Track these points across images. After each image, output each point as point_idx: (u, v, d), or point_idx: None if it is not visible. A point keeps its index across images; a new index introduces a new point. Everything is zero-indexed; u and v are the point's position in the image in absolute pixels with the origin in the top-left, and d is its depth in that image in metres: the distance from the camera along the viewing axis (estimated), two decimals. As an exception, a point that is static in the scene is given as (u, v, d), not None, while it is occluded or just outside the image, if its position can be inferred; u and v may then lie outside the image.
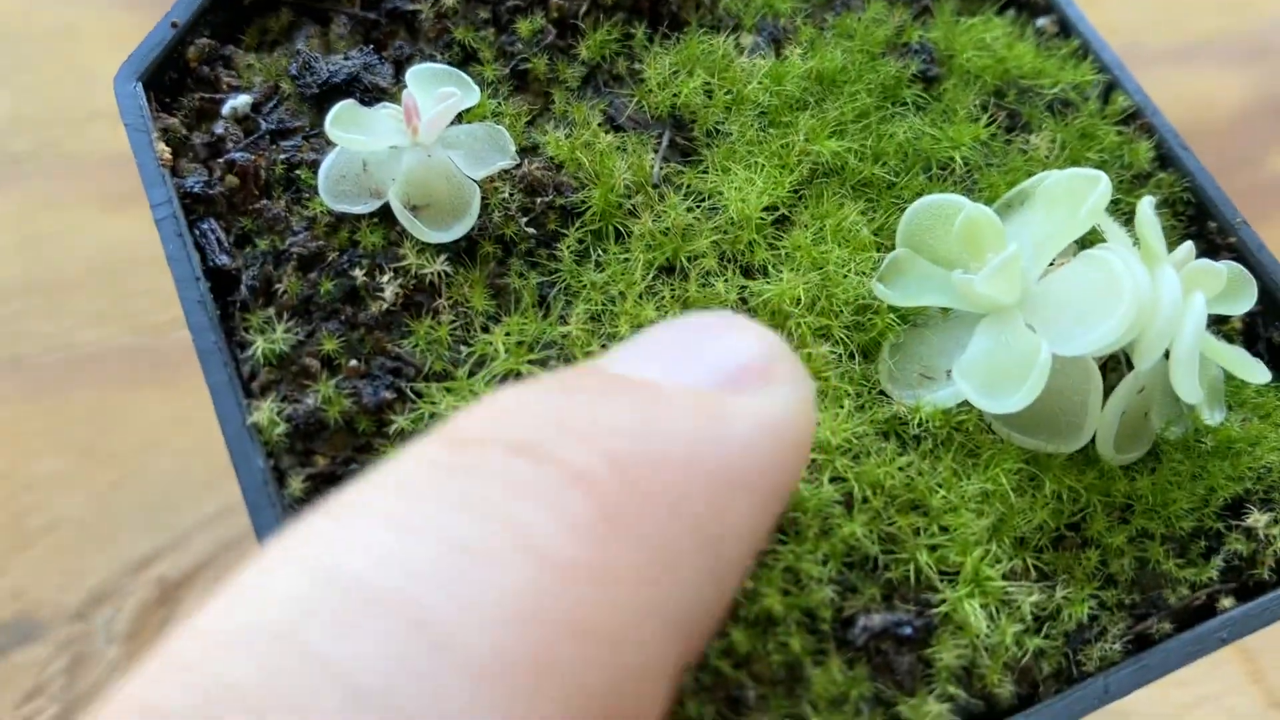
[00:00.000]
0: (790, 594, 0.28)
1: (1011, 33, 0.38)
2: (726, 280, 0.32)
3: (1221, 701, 0.53)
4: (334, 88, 0.34)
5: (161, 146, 0.32)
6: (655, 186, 0.33)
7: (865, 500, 0.29)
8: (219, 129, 0.34)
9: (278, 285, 0.31)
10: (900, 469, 0.29)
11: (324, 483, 0.29)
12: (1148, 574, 0.30)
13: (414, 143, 0.31)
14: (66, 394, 0.58)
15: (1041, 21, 0.39)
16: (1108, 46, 0.38)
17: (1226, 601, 0.30)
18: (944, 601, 0.28)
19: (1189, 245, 0.31)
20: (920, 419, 0.30)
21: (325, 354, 0.30)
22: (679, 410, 0.19)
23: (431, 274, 0.31)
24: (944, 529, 0.29)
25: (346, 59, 0.35)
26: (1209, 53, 0.74)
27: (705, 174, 0.34)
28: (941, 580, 0.28)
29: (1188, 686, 0.53)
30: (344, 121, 0.31)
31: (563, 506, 0.17)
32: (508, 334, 0.31)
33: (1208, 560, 0.30)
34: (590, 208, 0.33)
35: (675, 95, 0.35)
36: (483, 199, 0.32)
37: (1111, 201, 0.34)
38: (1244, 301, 0.32)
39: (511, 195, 0.33)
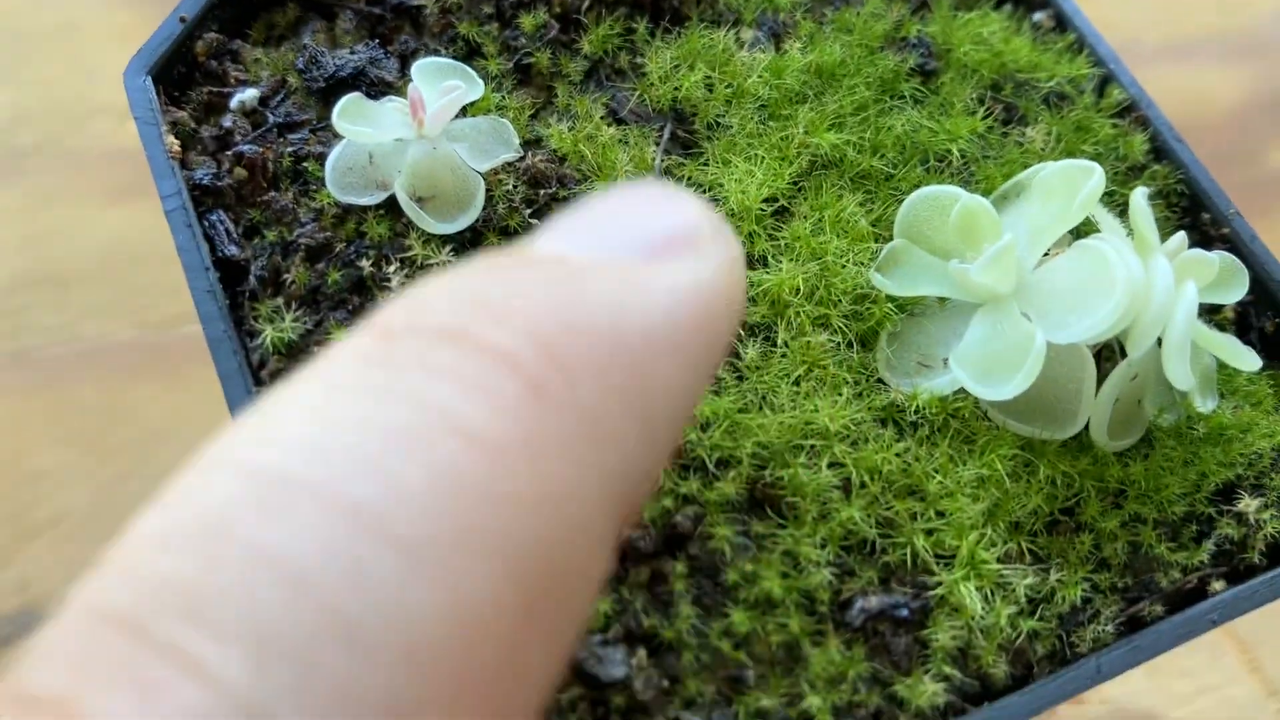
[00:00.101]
0: (789, 576, 0.28)
1: (1008, 27, 0.39)
2: (727, 270, 0.32)
3: (1221, 692, 0.54)
4: (340, 82, 0.34)
5: (171, 139, 0.33)
6: (657, 178, 0.34)
7: (863, 485, 0.29)
8: (227, 122, 0.34)
9: (286, 275, 0.32)
10: (897, 455, 0.30)
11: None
12: (1140, 558, 0.30)
13: (419, 135, 0.32)
14: (71, 387, 0.58)
15: (1038, 16, 0.40)
16: (1103, 40, 0.38)
17: (1217, 585, 0.30)
18: (940, 584, 0.29)
19: (1181, 235, 0.31)
20: (917, 406, 0.31)
21: (334, 343, 0.31)
22: (600, 282, 0.19)
23: (437, 264, 0.32)
24: (940, 514, 0.29)
25: (352, 53, 0.35)
26: (1207, 49, 0.74)
27: (706, 166, 0.34)
28: (937, 563, 0.29)
29: (1188, 678, 0.54)
30: (351, 114, 0.32)
31: (488, 387, 0.17)
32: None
33: (1199, 544, 0.31)
34: (593, 199, 0.33)
35: (676, 89, 0.35)
36: (487, 191, 0.33)
37: (1106, 193, 0.35)
38: (1236, 291, 0.32)
39: (515, 187, 0.33)
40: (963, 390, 0.31)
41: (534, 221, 0.33)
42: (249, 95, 0.34)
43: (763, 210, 0.33)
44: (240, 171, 0.33)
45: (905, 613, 0.28)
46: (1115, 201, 0.35)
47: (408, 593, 0.15)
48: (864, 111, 0.36)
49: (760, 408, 0.30)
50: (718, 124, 0.35)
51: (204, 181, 0.33)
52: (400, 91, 0.34)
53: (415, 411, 0.16)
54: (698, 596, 0.28)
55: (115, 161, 0.64)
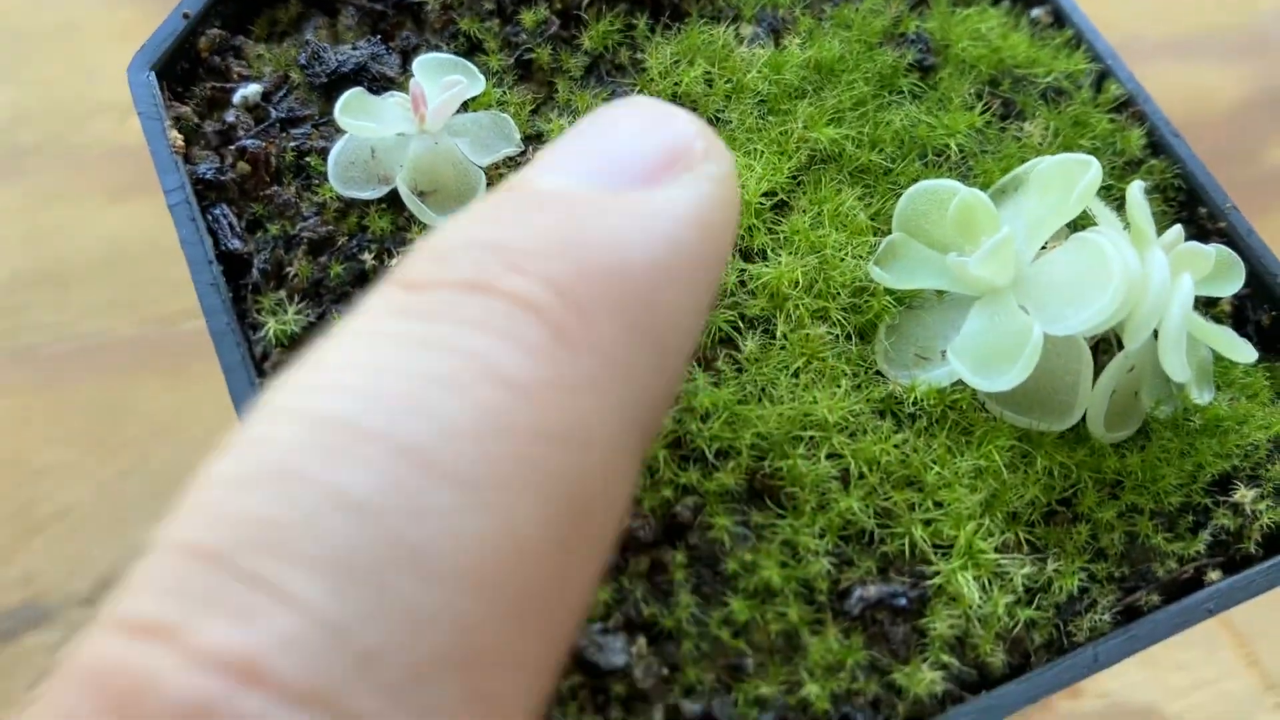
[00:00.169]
0: (788, 566, 0.28)
1: (1006, 23, 0.39)
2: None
3: (1218, 685, 0.54)
4: (342, 77, 0.35)
5: (174, 134, 0.33)
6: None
7: (861, 476, 0.30)
8: (230, 117, 0.34)
9: (289, 269, 0.32)
10: (896, 446, 0.30)
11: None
12: (1137, 548, 0.31)
13: (421, 130, 0.32)
14: (73, 384, 0.58)
15: (1036, 12, 0.40)
16: (1100, 36, 0.39)
17: (1214, 575, 0.30)
18: (938, 574, 0.29)
19: (1178, 228, 0.32)
20: (915, 398, 0.31)
21: (335, 335, 0.31)
22: (604, 219, 0.20)
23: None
24: (938, 504, 0.30)
25: (354, 49, 0.35)
26: (1207, 46, 0.75)
27: (705, 160, 0.35)
28: (935, 553, 0.29)
29: (1185, 671, 0.54)
30: (353, 109, 0.32)
31: (516, 334, 0.18)
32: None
33: (1195, 535, 0.31)
34: (593, 193, 0.33)
35: (676, 84, 0.36)
36: (488, 185, 0.33)
37: (1104, 187, 0.35)
38: (1232, 283, 0.33)
39: (516, 181, 0.33)
40: (960, 382, 0.31)
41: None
42: (252, 91, 0.35)
43: (762, 204, 0.34)
44: (243, 166, 0.33)
45: (903, 602, 0.28)
46: (1113, 196, 0.36)
47: (463, 522, 0.17)
48: (863, 106, 0.36)
49: (759, 399, 0.31)
50: (717, 119, 0.35)
51: (207, 176, 0.33)
52: (402, 87, 0.35)
53: (454, 360, 0.18)
54: (697, 585, 0.28)
55: (116, 160, 0.64)
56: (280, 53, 0.36)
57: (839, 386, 0.31)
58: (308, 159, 0.33)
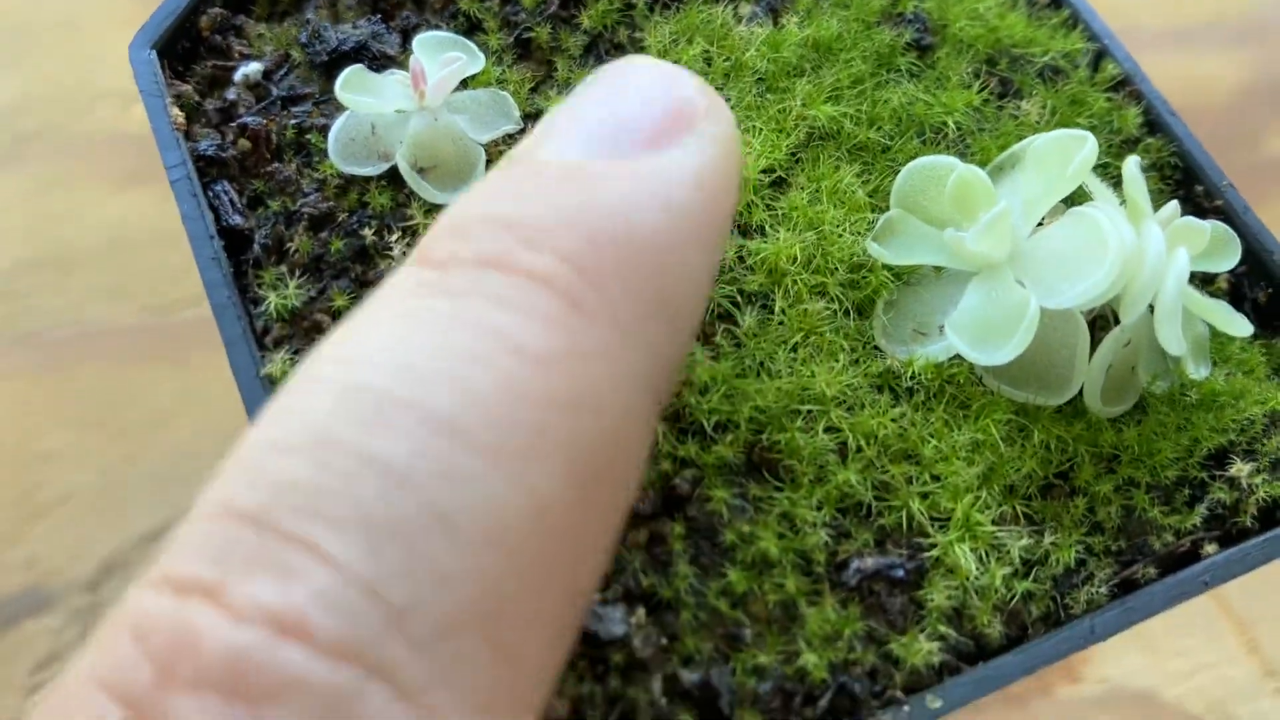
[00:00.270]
0: (785, 538, 0.29)
1: (1004, 3, 0.39)
2: (725, 240, 0.33)
3: (1218, 671, 0.54)
4: (343, 55, 0.35)
5: (175, 111, 0.33)
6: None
7: (859, 450, 0.30)
8: (231, 95, 0.35)
9: (289, 244, 0.32)
10: (893, 420, 0.30)
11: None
12: (1133, 521, 0.31)
13: (421, 107, 0.32)
14: (76, 370, 0.59)
15: (1034, -8, 0.40)
16: (1097, 16, 0.39)
17: (1210, 548, 0.31)
18: (935, 546, 0.29)
19: (1174, 204, 0.32)
20: (913, 372, 0.31)
21: (336, 310, 0.31)
22: (611, 188, 0.21)
23: (438, 234, 0.32)
24: (935, 477, 0.30)
25: (355, 28, 0.36)
26: (1207, 34, 0.75)
27: (704, 138, 0.35)
28: (933, 526, 0.29)
29: (1185, 657, 0.54)
30: (353, 85, 0.32)
31: (534, 307, 0.19)
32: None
33: (1192, 508, 0.31)
34: (592, 170, 0.34)
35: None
36: (487, 162, 0.33)
37: (1101, 165, 0.35)
38: (1228, 259, 0.33)
39: (516, 158, 0.33)
40: (958, 357, 0.31)
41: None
42: (253, 69, 0.35)
43: (760, 181, 0.34)
44: (244, 143, 0.33)
45: (900, 573, 0.29)
46: (1109, 174, 0.36)
47: (490, 487, 0.18)
48: (861, 85, 0.36)
49: (758, 373, 0.31)
50: (716, 97, 0.35)
51: (208, 153, 0.33)
52: (402, 65, 0.35)
53: (477, 333, 0.19)
54: (695, 557, 0.28)
55: (118, 148, 0.65)
56: (281, 31, 0.36)
57: (837, 361, 0.31)
58: (308, 136, 0.34)
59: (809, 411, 0.30)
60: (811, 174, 0.34)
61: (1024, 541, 0.29)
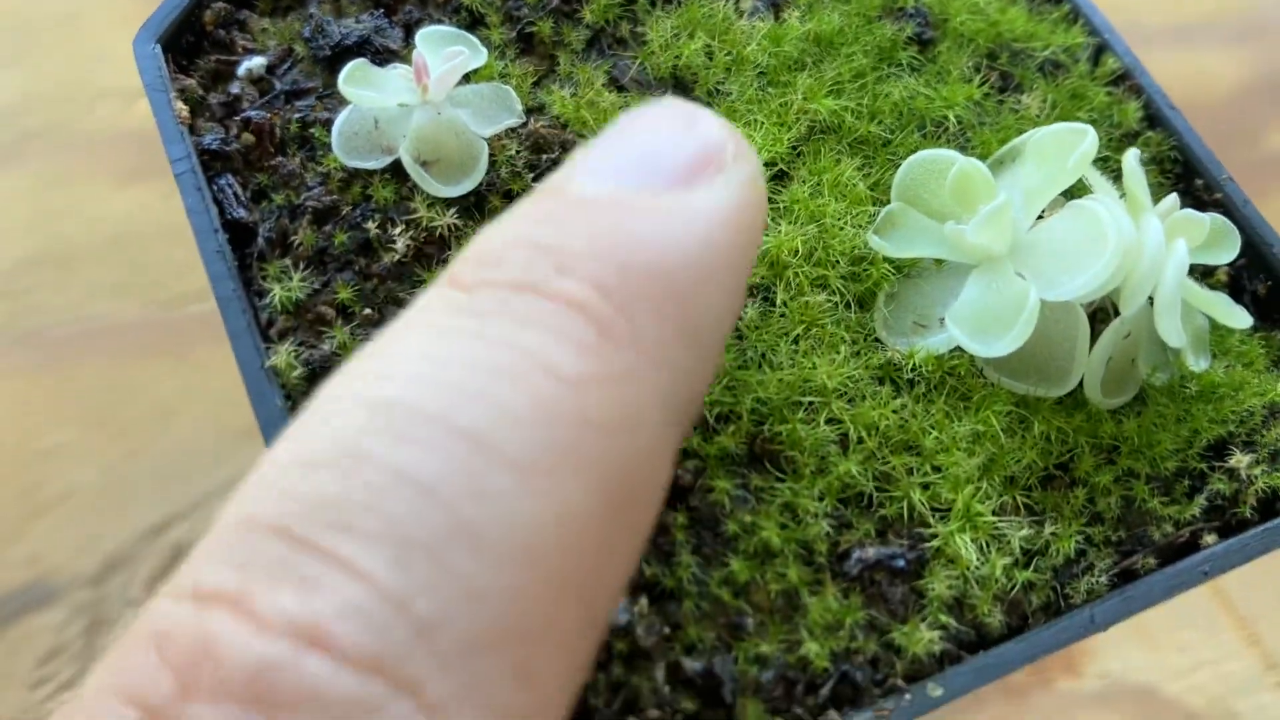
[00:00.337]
0: (788, 528, 0.29)
1: (1004, -2, 0.39)
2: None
3: (1219, 666, 0.54)
4: (346, 50, 0.35)
5: (180, 105, 0.33)
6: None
7: (860, 441, 0.30)
8: (235, 89, 0.35)
9: (293, 238, 0.32)
10: (894, 412, 0.31)
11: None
12: (1133, 512, 0.31)
13: (424, 100, 0.33)
14: (78, 366, 0.59)
15: (1034, -13, 0.40)
16: (1097, 10, 0.39)
17: (1209, 538, 0.31)
18: (936, 536, 0.29)
19: (1173, 197, 0.32)
20: (914, 364, 0.31)
21: (340, 302, 0.31)
22: (643, 221, 0.21)
23: (441, 226, 0.32)
24: (936, 468, 0.30)
25: (358, 22, 0.36)
26: (1208, 31, 0.75)
27: (706, 132, 0.35)
28: (934, 516, 0.29)
29: (1186, 652, 0.54)
30: (356, 79, 0.32)
31: (566, 331, 0.19)
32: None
33: (1191, 499, 0.31)
34: (595, 164, 0.34)
35: (677, 57, 0.36)
36: (490, 155, 0.33)
37: (1101, 159, 0.35)
38: (1227, 251, 0.33)
39: (518, 152, 0.34)
40: (959, 349, 0.31)
41: (537, 186, 0.33)
42: (256, 63, 0.35)
43: (762, 174, 0.34)
44: (248, 137, 0.33)
45: (902, 563, 0.29)
46: (1110, 167, 0.36)
47: (520, 503, 0.18)
48: (862, 79, 0.36)
49: (760, 365, 0.31)
50: (718, 91, 0.36)
51: (212, 146, 0.33)
52: (405, 59, 0.35)
53: (509, 352, 0.19)
54: (698, 546, 0.28)
55: (121, 144, 0.65)
56: (284, 26, 0.36)
57: (838, 353, 0.31)
58: (312, 130, 0.34)
59: (810, 403, 0.30)
60: (813, 167, 0.34)
61: (1024, 532, 0.30)
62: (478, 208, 0.33)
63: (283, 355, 0.30)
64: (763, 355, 0.31)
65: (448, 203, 0.33)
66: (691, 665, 0.27)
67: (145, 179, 0.63)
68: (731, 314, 0.23)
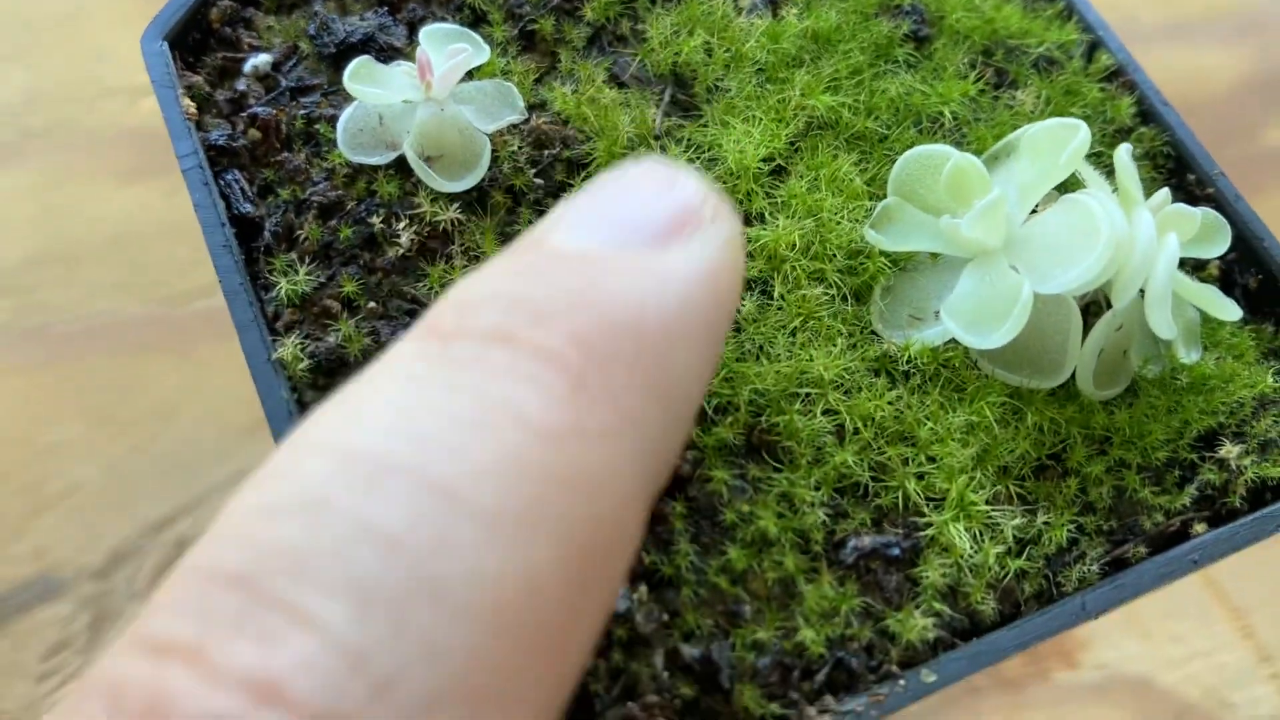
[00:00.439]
0: (784, 517, 0.29)
1: (1000, -5, 0.40)
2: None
3: (1213, 657, 0.55)
4: (350, 47, 0.35)
5: (187, 101, 0.34)
6: (657, 139, 0.35)
7: (856, 432, 0.31)
8: (241, 86, 0.35)
9: (299, 232, 0.33)
10: (890, 403, 0.31)
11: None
12: (1125, 502, 0.31)
13: (427, 97, 0.33)
14: (83, 362, 0.59)
15: (1029, -15, 0.41)
16: (1091, 7, 0.39)
17: (1199, 528, 0.31)
18: (930, 525, 0.30)
19: (1165, 191, 0.32)
20: (909, 356, 0.32)
21: (345, 296, 0.32)
22: (620, 278, 0.21)
23: (445, 221, 0.33)
24: (931, 458, 0.30)
25: (362, 20, 0.36)
26: (1204, 28, 0.75)
27: (705, 127, 0.35)
28: (928, 505, 0.30)
29: (1180, 643, 0.55)
30: (361, 76, 0.33)
31: (539, 383, 0.19)
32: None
33: (1182, 489, 0.32)
34: (595, 159, 0.34)
35: (677, 54, 0.36)
36: (493, 152, 0.34)
37: (1094, 155, 0.36)
38: (1218, 245, 0.33)
39: (520, 148, 0.34)
40: (953, 341, 0.32)
41: (538, 181, 0.34)
42: (262, 60, 0.36)
43: (760, 169, 0.34)
44: (254, 133, 0.34)
45: (896, 551, 0.29)
46: (1103, 163, 0.36)
47: (486, 558, 0.17)
48: (859, 75, 0.37)
49: (757, 357, 0.31)
50: (717, 87, 0.36)
51: (219, 142, 0.34)
52: (409, 57, 0.36)
53: (480, 403, 0.19)
54: (696, 535, 0.29)
55: (125, 142, 0.65)
56: (289, 24, 0.37)
57: (835, 345, 0.32)
58: (317, 126, 0.34)
59: (807, 394, 0.31)
60: (810, 162, 0.35)
61: (1017, 521, 0.30)
62: (480, 203, 0.34)
63: (289, 347, 0.30)
64: (760, 347, 0.32)
65: (451, 198, 0.33)
66: (690, 651, 0.27)
67: (148, 177, 0.64)
68: (706, 374, 0.23)
